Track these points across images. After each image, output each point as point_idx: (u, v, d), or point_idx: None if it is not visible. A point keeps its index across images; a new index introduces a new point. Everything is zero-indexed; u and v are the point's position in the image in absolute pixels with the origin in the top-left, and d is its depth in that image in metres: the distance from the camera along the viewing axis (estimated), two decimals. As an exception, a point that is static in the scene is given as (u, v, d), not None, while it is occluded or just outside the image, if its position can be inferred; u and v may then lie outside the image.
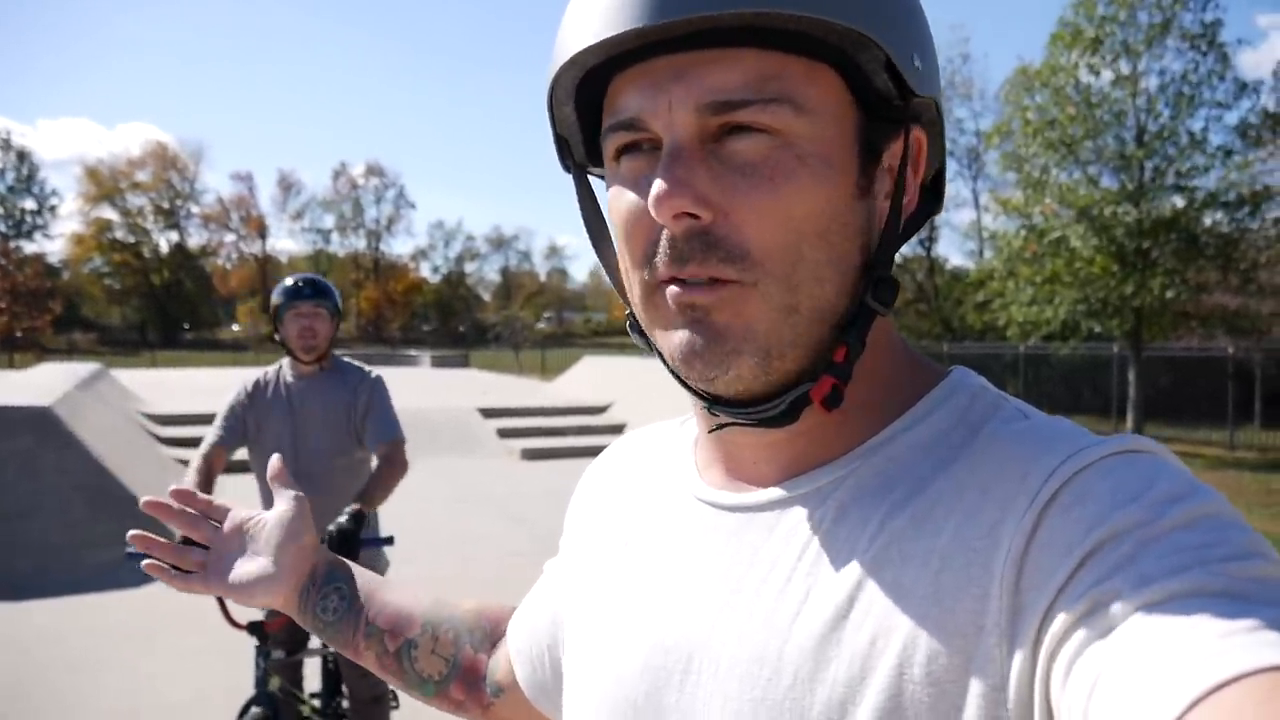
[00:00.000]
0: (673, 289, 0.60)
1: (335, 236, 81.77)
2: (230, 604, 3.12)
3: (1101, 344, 18.43)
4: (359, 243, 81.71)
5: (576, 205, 0.73)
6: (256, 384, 3.59)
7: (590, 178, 0.73)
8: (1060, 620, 0.48)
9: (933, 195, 0.70)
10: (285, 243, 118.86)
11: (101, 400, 11.22)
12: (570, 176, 0.73)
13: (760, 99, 0.58)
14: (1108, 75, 15.64)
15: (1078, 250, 15.26)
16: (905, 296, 31.83)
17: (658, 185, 0.57)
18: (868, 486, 0.62)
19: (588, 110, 0.67)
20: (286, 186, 79.74)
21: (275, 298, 3.54)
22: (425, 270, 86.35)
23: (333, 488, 3.51)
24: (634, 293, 0.64)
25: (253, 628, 3.12)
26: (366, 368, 3.66)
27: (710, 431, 0.68)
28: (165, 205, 76.10)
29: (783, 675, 0.58)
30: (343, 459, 3.54)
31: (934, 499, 0.59)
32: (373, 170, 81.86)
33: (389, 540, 3.28)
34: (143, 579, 6.68)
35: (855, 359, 0.62)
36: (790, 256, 0.59)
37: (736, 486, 0.69)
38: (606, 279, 0.73)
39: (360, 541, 2.98)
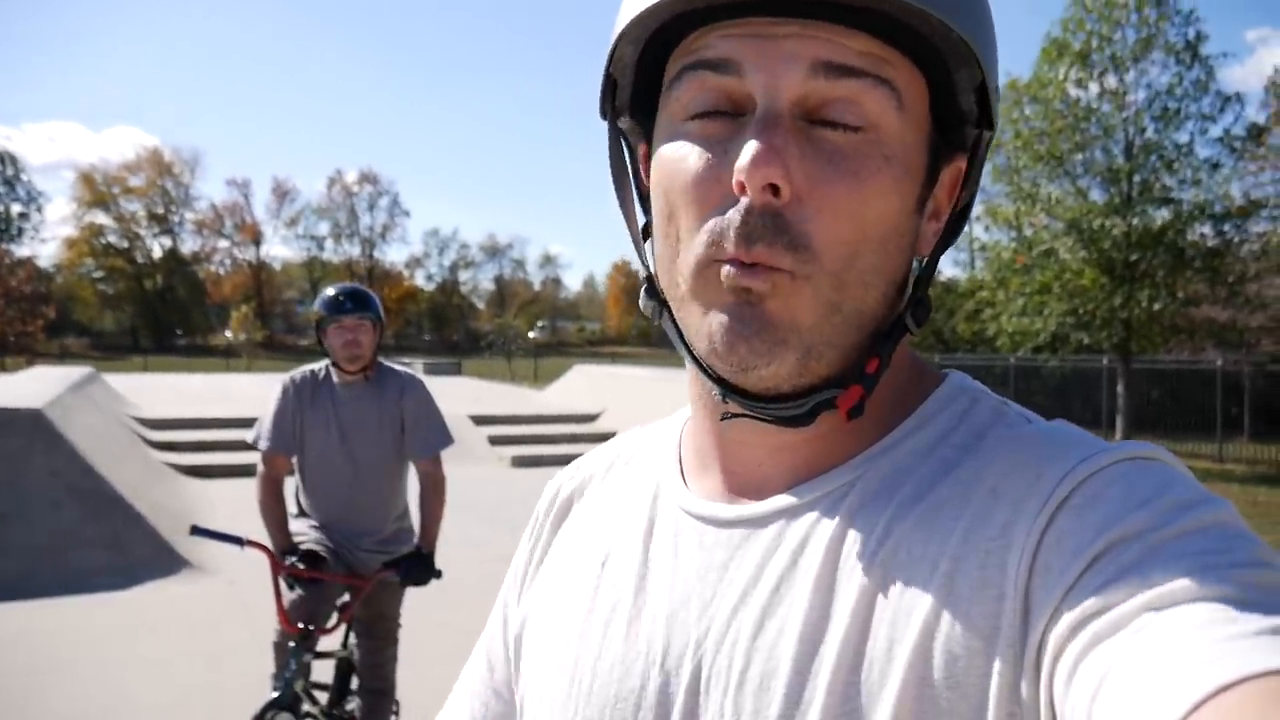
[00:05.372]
0: (728, 268, 0.57)
1: (329, 244, 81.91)
2: (286, 604, 3.30)
3: (1091, 356, 18.52)
4: (353, 250, 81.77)
5: (606, 153, 0.70)
6: (297, 386, 3.57)
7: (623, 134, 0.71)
8: (1066, 621, 0.48)
9: (954, 225, 0.68)
10: (279, 249, 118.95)
11: (92, 403, 11.21)
12: (605, 124, 0.70)
13: (874, 73, 0.57)
14: (1095, 89, 15.80)
15: (1067, 262, 15.38)
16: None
17: (755, 149, 0.54)
18: (873, 491, 0.61)
19: (650, 61, 0.65)
20: (281, 193, 79.78)
21: (318, 309, 3.54)
22: (420, 278, 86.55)
23: (380, 492, 3.61)
24: (684, 259, 0.60)
25: (304, 634, 3.25)
26: (405, 372, 3.68)
27: (721, 419, 0.64)
28: (159, 211, 76.11)
29: (802, 689, 0.56)
30: (391, 465, 3.60)
31: (941, 501, 0.58)
32: (367, 178, 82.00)
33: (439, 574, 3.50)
34: (128, 582, 6.70)
35: (883, 373, 0.62)
36: (848, 256, 0.58)
37: (733, 496, 0.67)
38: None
39: (435, 571, 3.43)
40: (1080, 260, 15.28)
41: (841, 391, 0.60)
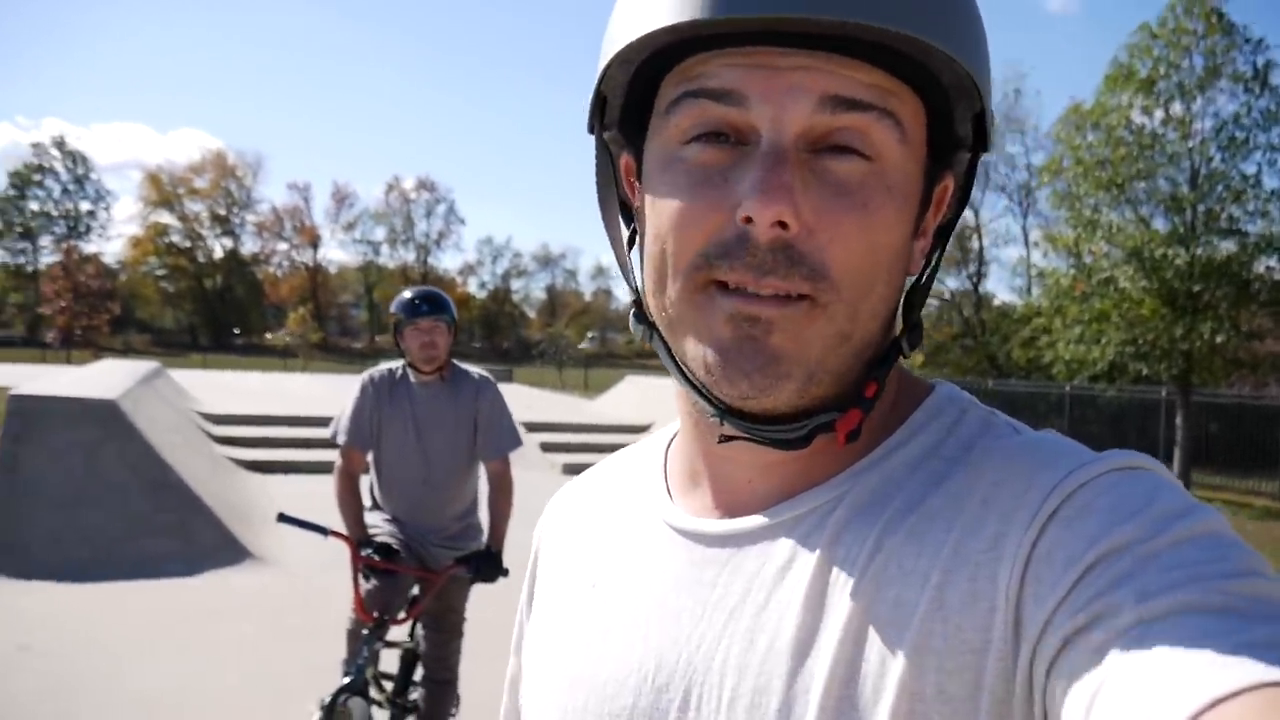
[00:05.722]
0: (734, 298, 0.57)
1: (385, 249, 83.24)
2: (361, 593, 3.45)
3: (1150, 387, 18.19)
4: (408, 256, 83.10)
5: (593, 170, 0.70)
6: (376, 384, 3.70)
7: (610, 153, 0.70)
8: (1058, 633, 0.48)
9: (939, 241, 0.68)
10: (336, 253, 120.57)
11: (160, 397, 11.54)
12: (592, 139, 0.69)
13: (880, 106, 0.57)
14: (1160, 116, 15.59)
15: (1127, 291, 15.16)
16: (951, 331, 31.61)
17: (762, 184, 0.54)
18: (862, 505, 0.61)
19: (642, 81, 0.63)
20: (340, 198, 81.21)
21: (395, 312, 3.68)
22: (473, 286, 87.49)
23: (451, 489, 3.75)
24: (672, 285, 0.60)
25: (379, 623, 3.40)
26: (476, 373, 3.82)
27: (719, 442, 0.64)
28: (222, 212, 77.95)
29: (794, 705, 0.56)
30: (463, 464, 3.75)
31: (931, 514, 0.58)
32: (424, 185, 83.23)
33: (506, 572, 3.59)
34: (193, 569, 6.92)
35: (880, 396, 0.62)
36: (864, 286, 0.58)
37: (723, 511, 0.67)
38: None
39: (503, 569, 3.50)
40: (1140, 289, 15.05)
41: (840, 415, 0.60)
